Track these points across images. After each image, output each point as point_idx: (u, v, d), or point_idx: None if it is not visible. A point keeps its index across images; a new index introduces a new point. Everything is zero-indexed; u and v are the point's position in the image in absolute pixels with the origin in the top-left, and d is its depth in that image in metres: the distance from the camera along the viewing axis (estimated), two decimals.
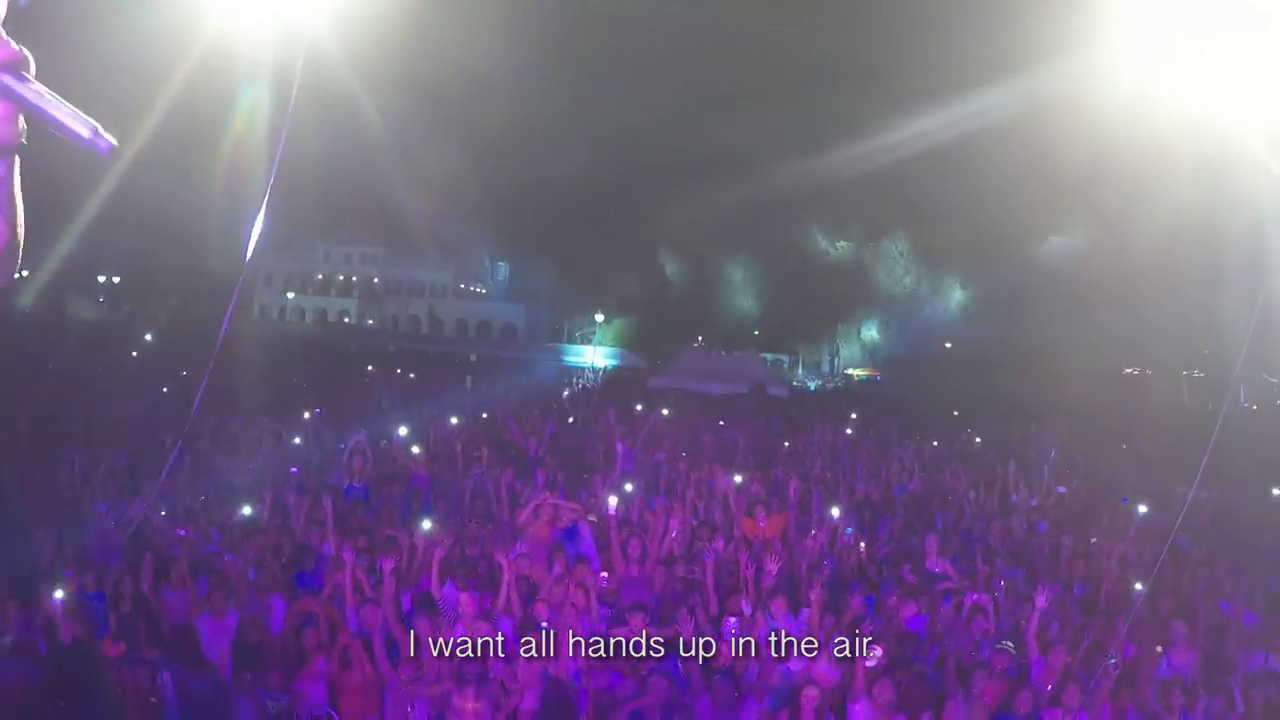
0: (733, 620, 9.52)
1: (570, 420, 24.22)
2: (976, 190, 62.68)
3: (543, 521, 12.03)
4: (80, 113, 1.94)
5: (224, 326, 11.18)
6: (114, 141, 1.95)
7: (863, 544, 12.93)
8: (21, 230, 2.12)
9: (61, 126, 1.93)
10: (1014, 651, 9.30)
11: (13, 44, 1.92)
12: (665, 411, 25.23)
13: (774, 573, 10.27)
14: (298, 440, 18.02)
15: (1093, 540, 13.97)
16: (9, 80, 1.90)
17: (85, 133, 1.92)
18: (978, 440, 26.65)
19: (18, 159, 2.07)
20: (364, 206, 77.00)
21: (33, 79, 1.94)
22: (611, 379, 51.99)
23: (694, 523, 13.05)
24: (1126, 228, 54.09)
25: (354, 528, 11.82)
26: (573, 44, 68.17)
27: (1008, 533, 14.60)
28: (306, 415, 21.48)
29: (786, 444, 22.38)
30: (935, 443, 25.34)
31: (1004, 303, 69.47)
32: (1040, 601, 9.59)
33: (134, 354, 39.09)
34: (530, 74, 64.97)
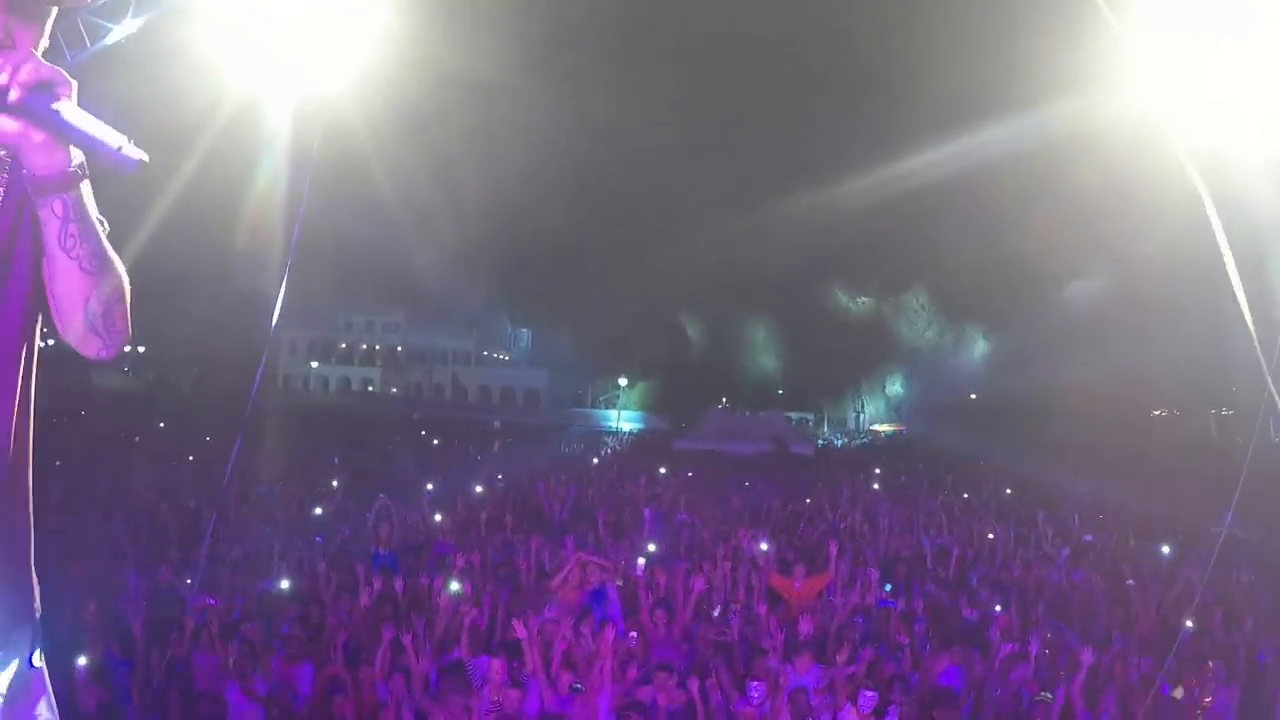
0: (757, 684, 9.35)
1: (595, 485, 24.16)
2: (995, 239, 62.64)
3: (571, 585, 11.93)
4: (110, 128, 1.92)
5: (251, 397, 11.19)
6: (143, 157, 1.92)
7: (902, 599, 12.79)
8: (115, 282, 2.15)
9: (90, 142, 1.91)
10: (1051, 702, 9.12)
11: (44, 64, 1.91)
12: (690, 474, 25.13)
13: (808, 633, 10.17)
14: (318, 510, 18.02)
15: (1128, 583, 13.79)
16: (35, 101, 1.89)
17: (114, 144, 1.90)
18: (1007, 491, 26.43)
19: (88, 196, 2.06)
20: (384, 275, 77.38)
21: (67, 100, 1.92)
22: (636, 442, 51.90)
23: (725, 584, 12.94)
24: (1146, 268, 53.89)
25: (383, 596, 11.75)
26: (591, 112, 68.66)
27: (1042, 581, 14.44)
28: (334, 484, 21.51)
29: (808, 500, 22.29)
30: (965, 494, 25.19)
31: (1028, 351, 69.11)
32: (1087, 658, 9.39)
33: (161, 424, 39.27)
34: (548, 141, 65.46)
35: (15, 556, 2.21)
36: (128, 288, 2.23)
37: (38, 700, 2.24)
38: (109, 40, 12.20)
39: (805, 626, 10.29)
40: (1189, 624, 10.77)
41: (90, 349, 2.20)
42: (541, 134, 64.18)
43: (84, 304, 2.12)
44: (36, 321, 2.18)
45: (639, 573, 12.12)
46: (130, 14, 12.30)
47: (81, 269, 2.08)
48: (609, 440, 53.46)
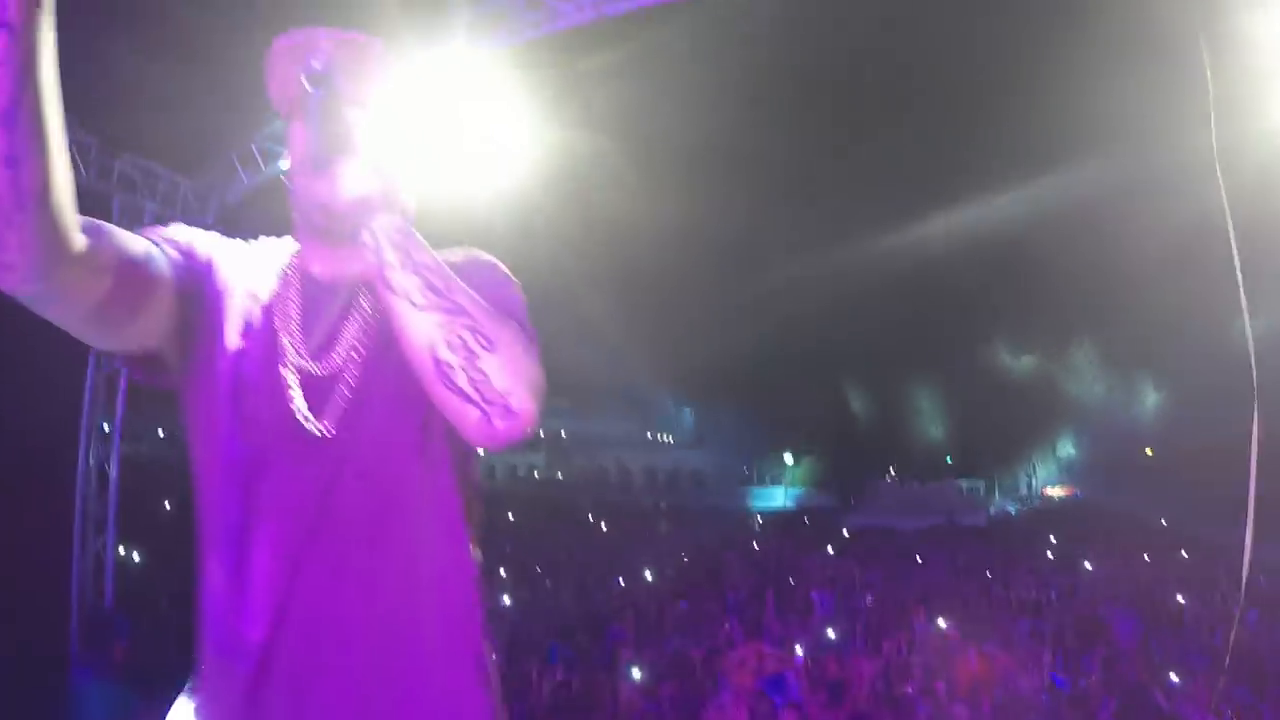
0: None
1: (766, 566, 24.12)
2: (1155, 283, 60.79)
3: (747, 670, 11.97)
4: None
5: None
6: None
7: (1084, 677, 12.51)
8: (476, 323, 1.83)
9: None
10: None
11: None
12: (861, 552, 24.89)
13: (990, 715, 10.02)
14: (507, 601, 18.29)
15: None
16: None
17: None
18: (1184, 554, 25.56)
19: (408, 221, 1.95)
20: (546, 360, 78.13)
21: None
22: (803, 520, 51.53)
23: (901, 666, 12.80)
24: None
25: (561, 686, 11.90)
26: (743, 188, 69.13)
27: (1234, 647, 13.92)
28: (502, 572, 21.87)
29: (989, 573, 21.93)
30: (1146, 556, 24.50)
31: (1201, 399, 66.47)
32: None
33: None
34: (700, 214, 65.91)
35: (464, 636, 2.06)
36: (519, 336, 1.87)
37: None
38: (283, 165, 12.93)
39: (961, 713, 10.14)
40: None
41: (467, 425, 1.83)
42: (694, 207, 64.63)
43: (430, 353, 1.78)
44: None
45: (799, 661, 12.13)
46: None
47: (413, 304, 1.78)
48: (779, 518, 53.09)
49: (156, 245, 1.99)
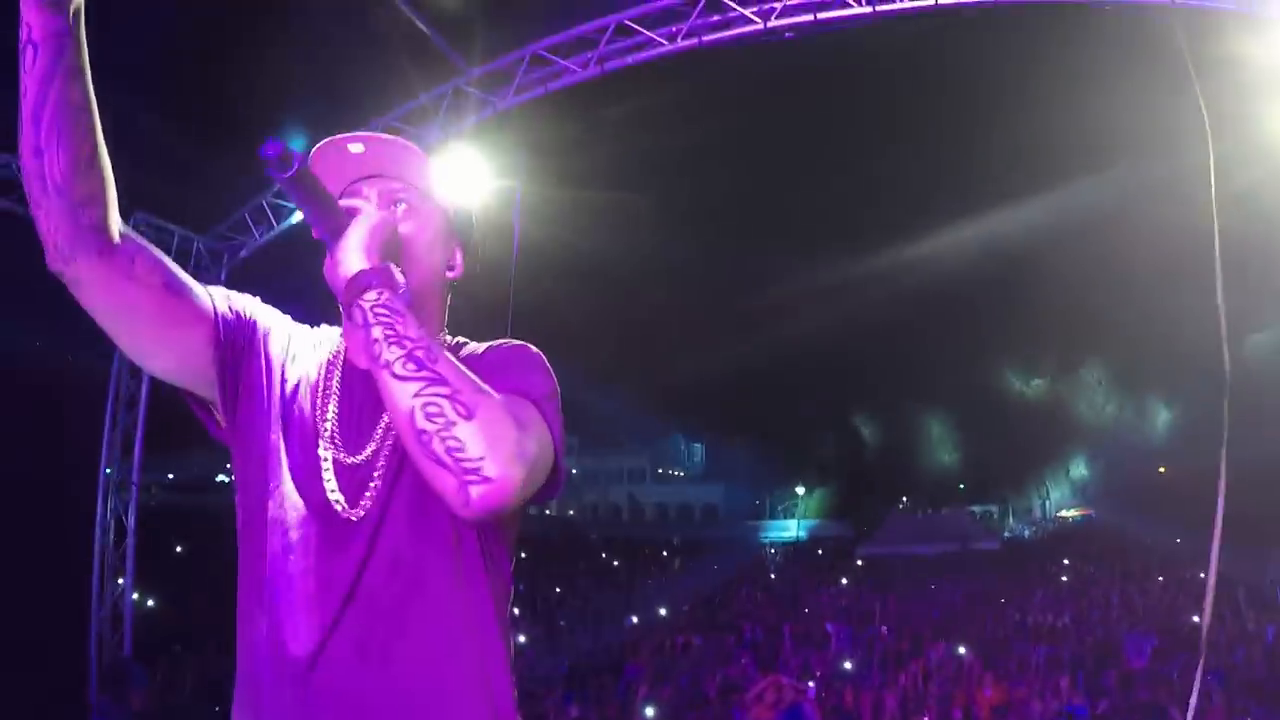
0: None
1: (779, 599, 24.12)
2: (1161, 301, 60.65)
3: (766, 705, 11.99)
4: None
5: None
6: None
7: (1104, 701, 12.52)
8: (453, 390, 1.86)
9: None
10: None
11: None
12: (875, 581, 24.89)
13: None
14: (522, 639, 18.30)
15: None
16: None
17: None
18: (1201, 575, 25.48)
19: (396, 298, 1.98)
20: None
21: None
22: (817, 551, 51.41)
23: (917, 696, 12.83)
24: None
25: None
26: (751, 225, 69.32)
27: (1249, 665, 13.99)
28: (516, 610, 21.87)
29: (1003, 600, 21.89)
30: (1160, 578, 24.45)
31: (1213, 416, 65.41)
32: None
33: None
34: (715, 259, 66.16)
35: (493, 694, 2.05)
36: (506, 405, 1.89)
37: None
38: (293, 220, 13.08)
39: None
40: None
41: (446, 494, 1.83)
42: (703, 244, 64.81)
43: (409, 420, 1.82)
44: None
45: (810, 694, 12.19)
46: None
47: (395, 375, 1.83)
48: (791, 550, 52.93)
49: (209, 293, 2.15)
